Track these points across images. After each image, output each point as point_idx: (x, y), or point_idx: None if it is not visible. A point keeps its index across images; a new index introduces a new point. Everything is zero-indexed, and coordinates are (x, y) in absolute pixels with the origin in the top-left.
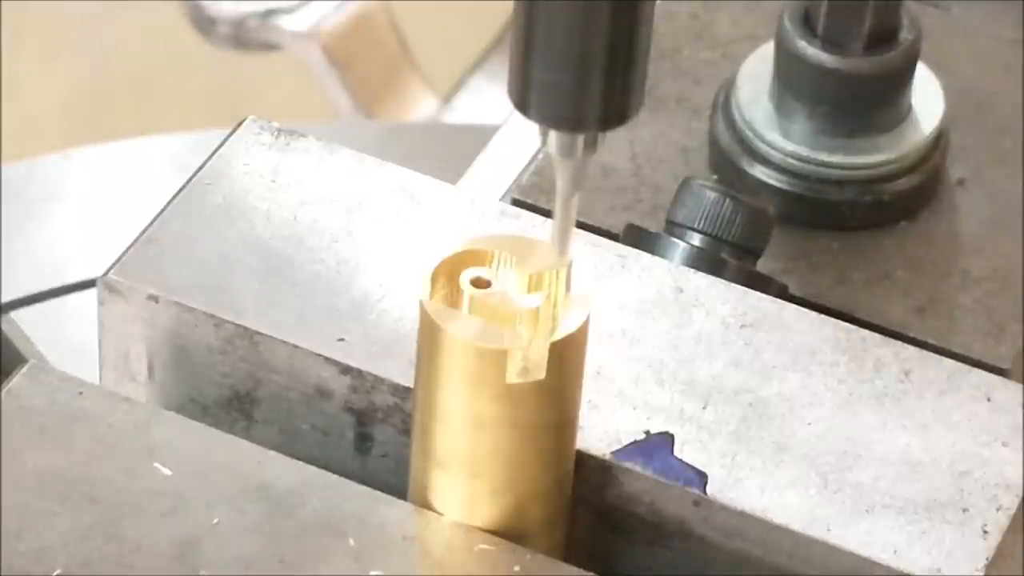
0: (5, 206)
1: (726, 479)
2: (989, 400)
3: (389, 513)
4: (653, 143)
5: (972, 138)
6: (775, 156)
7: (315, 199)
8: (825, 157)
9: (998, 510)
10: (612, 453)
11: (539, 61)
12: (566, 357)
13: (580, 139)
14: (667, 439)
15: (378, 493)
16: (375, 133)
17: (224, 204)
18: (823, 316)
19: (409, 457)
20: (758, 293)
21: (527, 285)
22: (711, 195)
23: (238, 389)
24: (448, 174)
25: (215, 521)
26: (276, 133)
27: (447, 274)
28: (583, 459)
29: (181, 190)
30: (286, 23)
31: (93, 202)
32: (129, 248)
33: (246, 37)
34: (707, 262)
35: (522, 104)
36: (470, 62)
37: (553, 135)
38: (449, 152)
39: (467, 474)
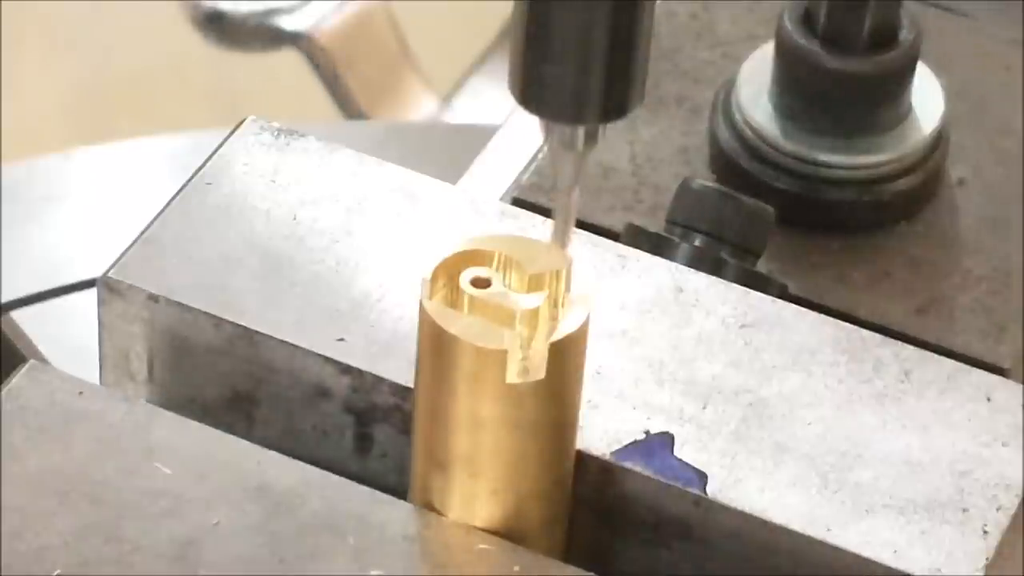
0: (5, 206)
1: (726, 479)
2: (989, 400)
3: (389, 513)
4: (653, 143)
5: (972, 138)
6: (775, 156)
7: (315, 199)
8: (825, 157)
9: (998, 510)
10: (612, 453)
11: (540, 54)
12: (566, 357)
13: (581, 131)
14: (667, 439)
15: (378, 493)
16: (375, 133)
17: (224, 204)
18: (823, 316)
19: (409, 457)
20: (758, 293)
21: (527, 285)
22: (711, 195)
23: (238, 389)
24: (448, 174)
25: (215, 521)
26: (276, 133)
27: (447, 274)
28: (583, 459)
29: (181, 190)
30: (286, 23)
31: (93, 202)
32: (129, 248)
33: (246, 37)
34: (707, 262)
35: (523, 97)
36: (470, 62)
37: (555, 128)
38: (449, 152)
39: (467, 474)
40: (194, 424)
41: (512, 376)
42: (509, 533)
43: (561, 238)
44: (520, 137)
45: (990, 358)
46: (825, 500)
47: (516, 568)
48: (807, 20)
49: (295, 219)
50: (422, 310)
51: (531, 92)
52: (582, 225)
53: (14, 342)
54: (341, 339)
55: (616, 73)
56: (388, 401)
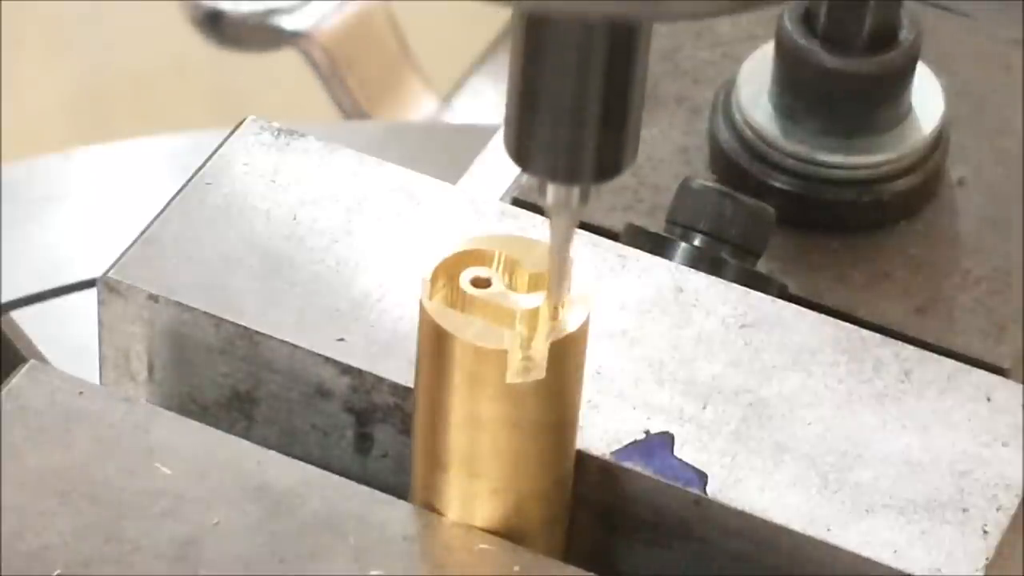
0: (5, 206)
1: (726, 479)
2: (989, 400)
3: (389, 513)
4: (653, 143)
5: (972, 138)
6: (775, 156)
7: (315, 199)
8: (825, 157)
9: (998, 510)
10: (612, 453)
11: (536, 117)
12: (566, 357)
13: (576, 191)
14: (667, 439)
15: (378, 493)
16: (375, 133)
17: (224, 204)
18: (823, 316)
19: (409, 457)
20: (758, 293)
21: (527, 285)
22: (711, 195)
23: (238, 389)
24: (448, 174)
25: (215, 521)
26: (276, 133)
27: (447, 274)
28: (583, 459)
29: (181, 190)
30: (286, 23)
31: (93, 202)
32: (129, 248)
33: (246, 37)
34: (707, 262)
35: (518, 156)
36: (470, 62)
37: (550, 187)
38: (449, 152)
39: (467, 474)
40: (194, 424)
41: (512, 376)
42: (509, 533)
43: (557, 292)
44: None
45: (990, 358)
46: (825, 500)
47: (516, 568)
48: (807, 20)
49: (295, 219)
50: (422, 310)
51: (526, 151)
52: (582, 225)
53: (14, 342)
54: (341, 339)
55: (610, 133)
56: (388, 401)
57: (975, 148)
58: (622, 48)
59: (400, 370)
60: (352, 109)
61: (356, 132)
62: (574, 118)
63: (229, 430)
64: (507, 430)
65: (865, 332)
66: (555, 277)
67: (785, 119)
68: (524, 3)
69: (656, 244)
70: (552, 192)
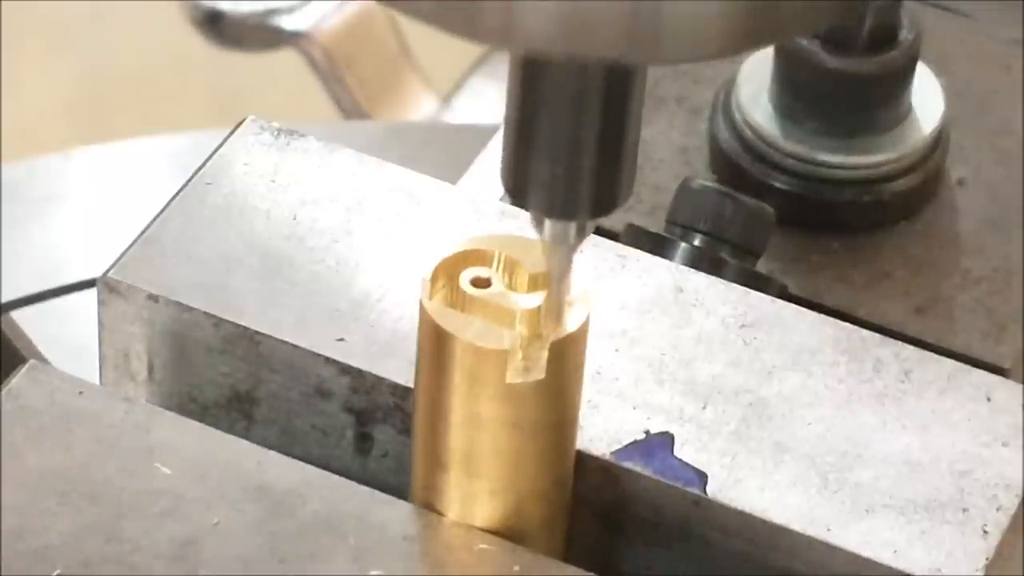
0: (5, 206)
1: (726, 479)
2: (989, 400)
3: (389, 513)
4: (653, 143)
5: (972, 138)
6: (775, 156)
7: (315, 199)
8: (825, 157)
9: (998, 510)
10: (612, 453)
11: (533, 153)
12: (566, 357)
13: (573, 226)
14: (667, 439)
15: (378, 493)
16: (375, 133)
17: (224, 204)
18: (823, 316)
19: (409, 457)
20: (758, 293)
21: (527, 285)
22: (711, 195)
23: (238, 389)
24: (448, 174)
25: (215, 521)
26: (276, 133)
27: (447, 274)
28: (583, 459)
29: (181, 190)
30: (286, 23)
31: (93, 202)
32: (129, 248)
33: (246, 37)
34: (707, 262)
35: (515, 192)
36: (470, 62)
37: (547, 222)
38: (449, 152)
39: (467, 474)
40: (194, 424)
41: (512, 376)
42: (509, 533)
43: (553, 324)
44: None
45: (990, 358)
46: (825, 500)
47: (516, 568)
48: None
49: (295, 219)
50: (422, 310)
51: (522, 187)
52: None
53: (14, 342)
54: (341, 339)
55: (606, 169)
56: (388, 401)
57: (975, 148)
58: (618, 88)
59: (400, 370)
60: (352, 109)
61: (356, 132)
62: (570, 155)
63: (229, 430)
64: (507, 430)
65: (865, 332)
66: (553, 308)
67: (785, 119)
68: (521, 44)
69: (656, 244)
70: (549, 227)
